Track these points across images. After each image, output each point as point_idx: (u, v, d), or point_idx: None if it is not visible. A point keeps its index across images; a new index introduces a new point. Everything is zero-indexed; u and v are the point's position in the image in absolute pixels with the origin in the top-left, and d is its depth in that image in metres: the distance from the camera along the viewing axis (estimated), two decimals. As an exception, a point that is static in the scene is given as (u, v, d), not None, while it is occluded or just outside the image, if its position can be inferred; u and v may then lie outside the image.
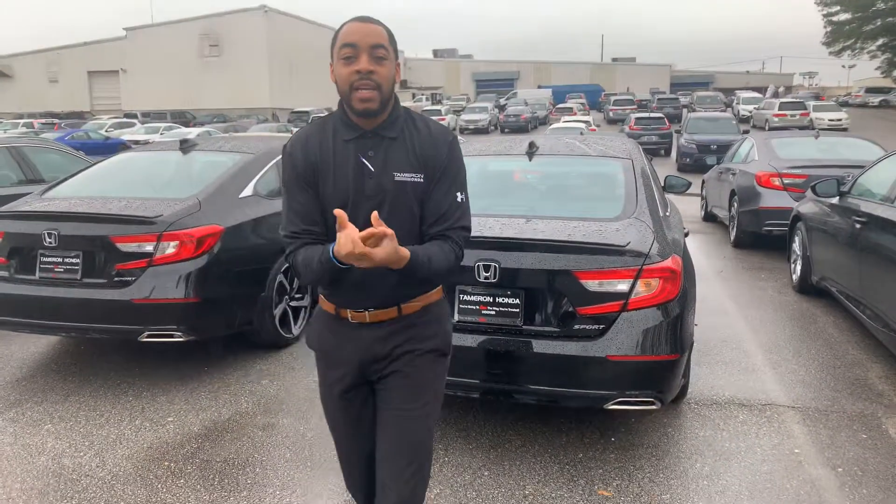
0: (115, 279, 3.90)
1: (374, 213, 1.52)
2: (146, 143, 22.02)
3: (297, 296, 4.80)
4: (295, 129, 27.00)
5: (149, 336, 3.89)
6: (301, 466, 3.10)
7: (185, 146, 5.05)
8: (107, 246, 3.92)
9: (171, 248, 3.89)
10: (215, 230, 4.06)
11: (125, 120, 33.57)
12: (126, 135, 26.83)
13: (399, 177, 1.70)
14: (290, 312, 4.72)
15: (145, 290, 3.84)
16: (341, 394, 1.85)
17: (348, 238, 1.48)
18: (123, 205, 4.10)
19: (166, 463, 3.15)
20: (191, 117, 40.22)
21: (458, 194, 1.75)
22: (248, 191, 4.54)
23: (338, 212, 1.51)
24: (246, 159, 4.78)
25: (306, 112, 35.49)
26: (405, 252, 1.58)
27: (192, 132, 23.33)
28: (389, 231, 1.51)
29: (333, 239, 1.57)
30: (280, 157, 4.97)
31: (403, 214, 1.71)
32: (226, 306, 4.18)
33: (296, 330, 4.77)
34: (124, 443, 3.36)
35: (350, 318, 1.78)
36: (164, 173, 4.97)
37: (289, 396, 3.87)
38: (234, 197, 4.42)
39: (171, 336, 3.92)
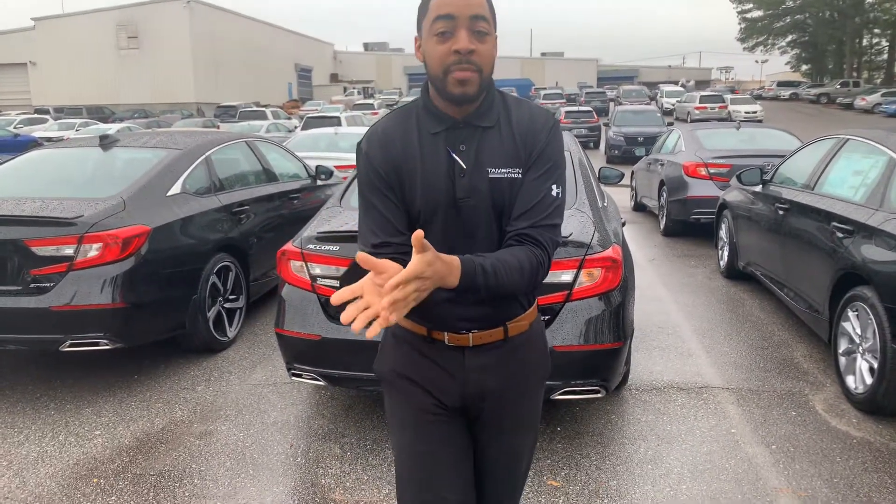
0: (31, 286, 3.63)
1: (418, 232, 1.16)
2: (60, 139, 20.83)
3: (231, 297, 4.63)
4: (221, 125, 25.86)
5: (71, 345, 3.65)
6: (243, 475, 2.98)
7: (106, 142, 4.77)
8: (21, 250, 3.64)
9: (93, 251, 3.66)
10: (142, 230, 3.84)
11: (36, 116, 31.63)
12: (38, 131, 25.30)
13: (494, 173, 1.40)
14: (224, 314, 4.54)
15: (65, 296, 3.60)
16: (434, 416, 1.50)
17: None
18: (38, 205, 3.83)
19: (95, 480, 2.96)
20: (109, 113, 38.30)
21: (554, 187, 1.43)
22: (176, 188, 4.32)
23: (416, 237, 1.15)
24: (173, 155, 4.56)
25: (233, 107, 34.37)
26: (450, 260, 1.23)
27: (110, 128, 22.22)
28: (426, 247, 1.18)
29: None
30: (210, 151, 4.82)
31: (493, 224, 1.42)
32: (156, 310, 3.97)
33: (231, 332, 4.60)
34: (47, 461, 3.13)
35: (447, 342, 1.47)
36: (83, 171, 4.68)
37: (226, 402, 3.72)
38: (161, 195, 4.20)
39: (97, 344, 3.69)
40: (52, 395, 3.86)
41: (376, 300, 1.13)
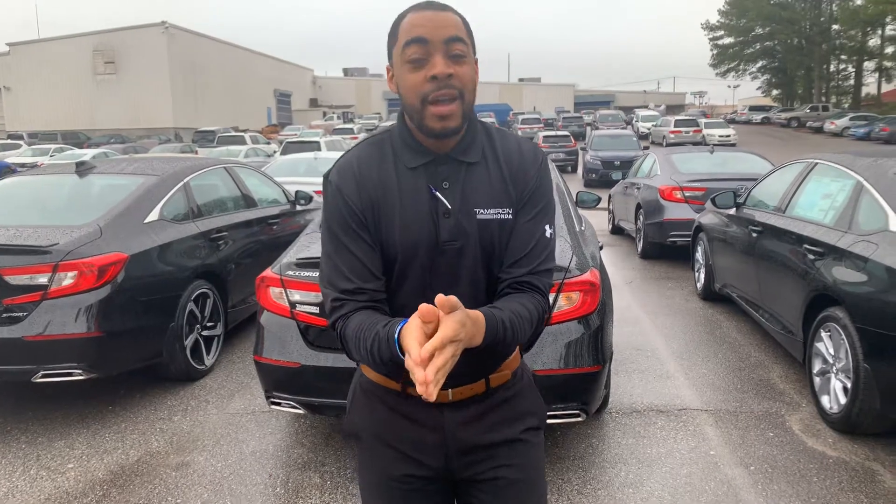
0: (4, 315, 3.56)
1: (440, 297, 1.04)
2: (34, 165, 20.56)
3: (209, 324, 4.58)
4: (199, 150, 25.66)
5: (44, 376, 3.58)
6: (220, 506, 2.93)
7: (82, 169, 4.73)
8: (-7, 279, 3.58)
9: (68, 280, 3.61)
10: (118, 258, 3.80)
11: (9, 141, 31.23)
12: (11, 157, 24.94)
13: (483, 214, 1.28)
14: (202, 342, 4.48)
15: (39, 325, 3.54)
16: (409, 486, 1.38)
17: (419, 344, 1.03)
18: (12, 234, 3.77)
19: (68, 514, 2.89)
20: (84, 138, 37.93)
21: (547, 227, 1.33)
22: (153, 215, 4.29)
23: (442, 301, 1.03)
24: (150, 182, 4.53)
25: (211, 132, 34.26)
26: (476, 316, 1.13)
27: (85, 153, 21.99)
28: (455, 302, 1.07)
29: (395, 297, 1.23)
30: (188, 178, 4.80)
31: (480, 267, 1.30)
32: (132, 339, 3.92)
33: (209, 360, 4.54)
34: (18, 496, 3.05)
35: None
36: (58, 198, 4.63)
37: (204, 431, 3.66)
38: (138, 222, 4.16)
39: (70, 375, 3.62)
40: (23, 428, 3.77)
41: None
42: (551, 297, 2.95)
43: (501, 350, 1.24)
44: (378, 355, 1.19)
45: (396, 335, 1.12)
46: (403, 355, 1.08)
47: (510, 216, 1.30)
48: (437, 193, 1.28)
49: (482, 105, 60.09)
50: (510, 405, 1.40)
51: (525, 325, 1.25)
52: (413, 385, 1.12)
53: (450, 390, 1.33)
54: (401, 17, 1.27)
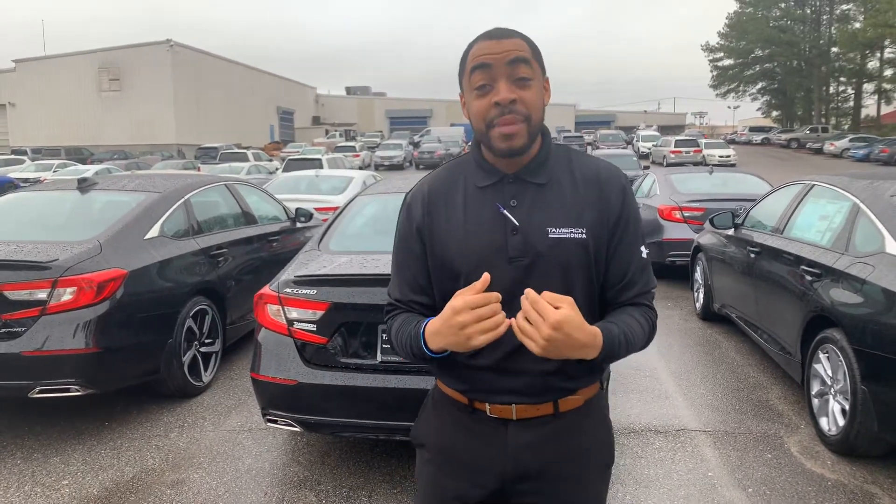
0: (2, 330, 3.57)
1: (529, 290, 1.16)
2: (37, 181, 20.68)
3: (207, 341, 4.58)
4: (202, 167, 25.84)
5: (41, 392, 3.58)
6: (215, 525, 2.91)
7: (84, 185, 4.76)
8: (-8, 294, 3.59)
9: (67, 295, 3.62)
10: (118, 274, 3.81)
11: (12, 157, 31.41)
12: (14, 172, 25.06)
13: (555, 233, 1.30)
14: (200, 359, 4.48)
15: (37, 341, 3.54)
16: None
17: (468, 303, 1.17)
18: (12, 249, 3.79)
19: (61, 532, 2.87)
20: (88, 154, 38.15)
21: (643, 248, 1.38)
22: (153, 232, 4.31)
23: (485, 279, 1.18)
24: (151, 198, 4.56)
25: (214, 148, 34.48)
26: (593, 332, 1.20)
27: (88, 169, 22.11)
28: (566, 298, 1.16)
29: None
30: (189, 195, 4.83)
31: (558, 285, 1.28)
32: (129, 355, 3.92)
33: (206, 377, 4.53)
34: (11, 512, 3.03)
35: (488, 412, 1.35)
36: (59, 214, 4.65)
37: (200, 449, 3.65)
38: (138, 238, 4.18)
39: (67, 390, 3.62)
40: (19, 444, 3.75)
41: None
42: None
43: (597, 368, 1.32)
44: (410, 349, 1.32)
45: (423, 329, 1.28)
46: (429, 351, 1.26)
47: (583, 235, 1.31)
48: (504, 211, 1.32)
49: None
50: (581, 436, 1.37)
51: (637, 339, 1.32)
52: (480, 398, 1.34)
53: (514, 406, 1.33)
54: (470, 46, 1.31)
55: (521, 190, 1.33)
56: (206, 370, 4.54)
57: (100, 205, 4.68)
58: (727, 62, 59.17)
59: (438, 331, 1.24)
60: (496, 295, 1.18)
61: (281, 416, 3.16)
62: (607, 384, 3.28)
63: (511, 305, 1.22)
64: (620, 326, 1.28)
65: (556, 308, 1.14)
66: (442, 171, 1.43)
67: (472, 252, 1.31)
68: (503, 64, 1.24)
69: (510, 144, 1.27)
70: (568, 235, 1.30)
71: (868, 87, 52.49)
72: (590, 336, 1.18)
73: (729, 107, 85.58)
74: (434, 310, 1.34)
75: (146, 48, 47.82)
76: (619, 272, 1.35)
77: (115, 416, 4.10)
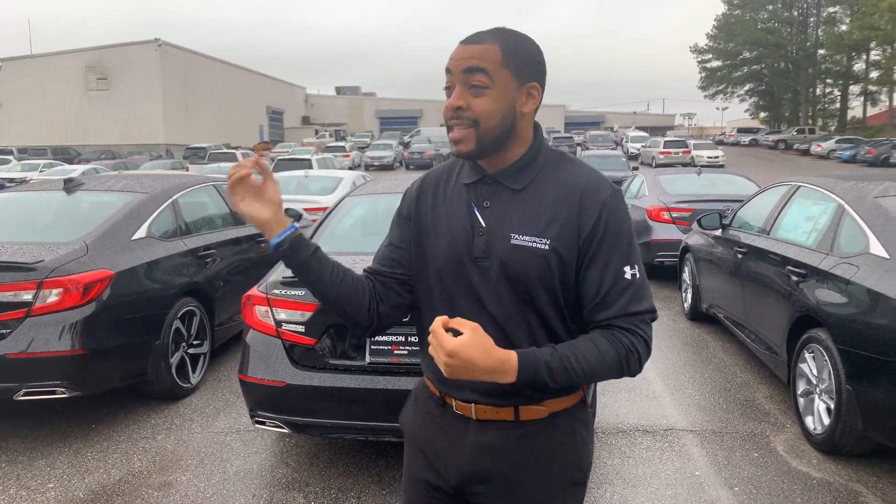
0: (-13, 332, 3.53)
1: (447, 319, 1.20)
2: (23, 180, 20.48)
3: (195, 342, 4.55)
4: (190, 167, 25.64)
5: (26, 394, 3.54)
6: (202, 527, 2.89)
7: (70, 185, 4.72)
8: (-23, 296, 3.56)
9: (53, 297, 3.59)
10: (104, 275, 3.78)
11: (-1, 156, 31.08)
12: (0, 173, 24.81)
13: (516, 240, 1.28)
14: (188, 360, 4.46)
15: (22, 343, 3.51)
16: (427, 494, 1.43)
17: None
18: (-3, 250, 3.76)
19: (46, 535, 2.85)
20: (75, 153, 37.82)
21: (626, 269, 1.29)
22: (141, 232, 4.29)
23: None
24: (139, 199, 4.53)
25: (202, 148, 34.24)
26: (502, 357, 1.18)
27: (75, 169, 21.92)
28: (470, 324, 1.17)
29: (428, 305, 1.38)
30: (177, 195, 4.80)
31: (516, 293, 1.29)
32: (116, 357, 3.89)
33: (194, 379, 4.51)
34: (-4, 516, 3.01)
35: (454, 408, 1.37)
36: (45, 215, 4.61)
37: (187, 451, 3.63)
38: (126, 239, 4.15)
39: (53, 393, 3.59)
40: (3, 446, 3.72)
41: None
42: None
43: (549, 389, 1.25)
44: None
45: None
46: None
47: (546, 247, 1.27)
48: (476, 211, 1.34)
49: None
50: (543, 447, 1.34)
51: (592, 366, 1.23)
52: (449, 393, 1.37)
53: (473, 405, 1.34)
54: None
55: (496, 192, 1.34)
56: (194, 372, 4.52)
57: (86, 205, 4.64)
58: (715, 64, 59.60)
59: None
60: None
61: (269, 417, 3.15)
62: (593, 399, 3.27)
63: (477, 305, 1.31)
64: (561, 352, 1.22)
65: (459, 334, 1.16)
66: (444, 164, 1.48)
67: (443, 245, 1.35)
68: (460, 71, 1.28)
69: (458, 149, 1.31)
70: (529, 244, 1.28)
71: (854, 88, 53.08)
72: (497, 361, 1.16)
73: (717, 108, 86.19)
74: (389, 278, 1.43)
75: (134, 47, 47.49)
76: (591, 290, 1.29)
77: (101, 419, 4.07)
